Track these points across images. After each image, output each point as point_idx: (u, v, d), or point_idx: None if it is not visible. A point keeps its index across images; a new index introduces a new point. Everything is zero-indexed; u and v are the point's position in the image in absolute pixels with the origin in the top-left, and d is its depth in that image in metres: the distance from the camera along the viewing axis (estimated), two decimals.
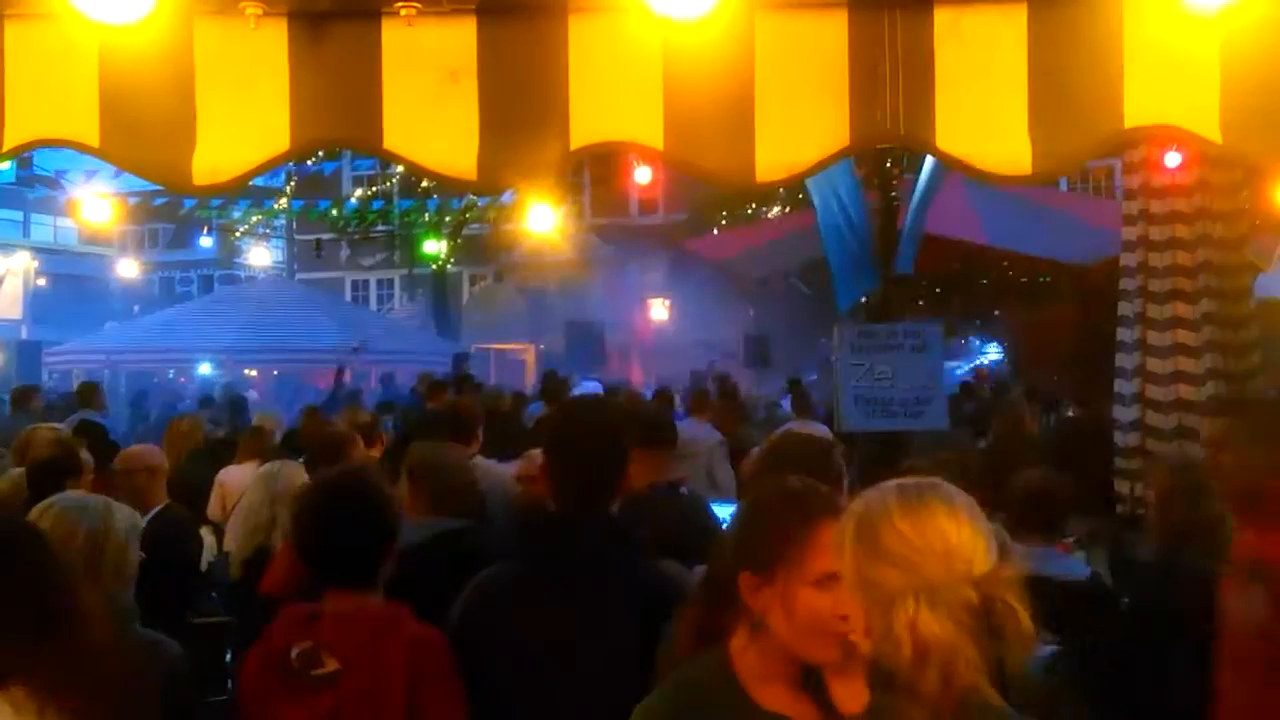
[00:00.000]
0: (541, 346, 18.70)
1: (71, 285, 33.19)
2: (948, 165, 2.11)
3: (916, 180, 5.84)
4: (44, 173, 26.20)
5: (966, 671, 1.23)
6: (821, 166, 1.90)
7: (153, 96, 1.88)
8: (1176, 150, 5.37)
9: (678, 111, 1.86)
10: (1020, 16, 1.84)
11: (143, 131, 1.89)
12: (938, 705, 1.22)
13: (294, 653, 2.02)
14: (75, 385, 11.24)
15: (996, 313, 13.42)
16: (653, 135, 1.86)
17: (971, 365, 14.62)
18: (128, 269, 31.14)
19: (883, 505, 1.37)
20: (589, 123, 1.86)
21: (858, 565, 1.36)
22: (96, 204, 12.80)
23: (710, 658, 1.63)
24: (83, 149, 1.92)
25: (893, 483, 1.42)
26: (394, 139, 1.86)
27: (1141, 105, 1.81)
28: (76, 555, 2.07)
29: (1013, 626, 1.27)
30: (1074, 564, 3.55)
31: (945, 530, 1.32)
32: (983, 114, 1.84)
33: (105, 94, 1.88)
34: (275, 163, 1.91)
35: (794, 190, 14.45)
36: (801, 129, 1.86)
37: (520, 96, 1.86)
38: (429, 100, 1.86)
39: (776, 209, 17.28)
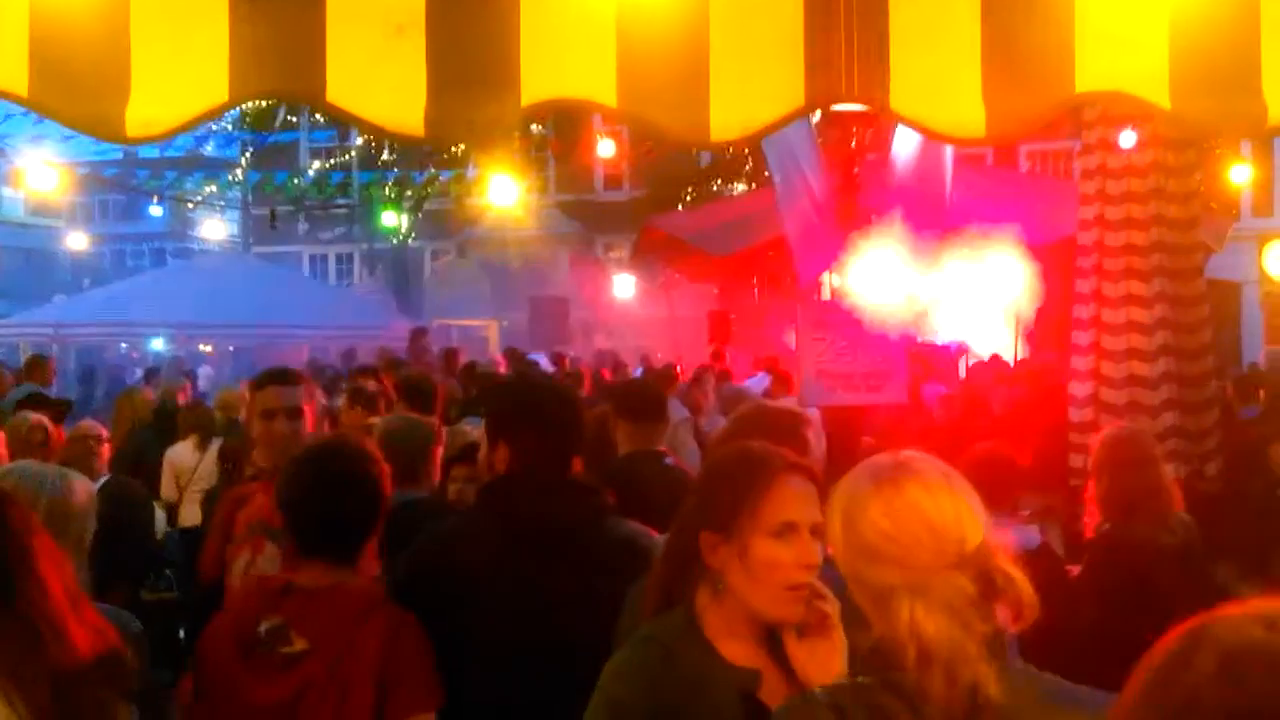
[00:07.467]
0: (504, 323, 18.58)
1: (18, 257, 32.27)
2: (903, 125, 2.10)
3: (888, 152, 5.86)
4: None
5: (967, 668, 1.20)
6: (777, 126, 1.89)
7: (85, 46, 1.80)
8: (1132, 130, 5.44)
9: (631, 69, 1.83)
10: None
11: (74, 81, 1.82)
12: (947, 706, 1.20)
13: (263, 628, 1.94)
14: (23, 358, 10.94)
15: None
16: (606, 93, 1.83)
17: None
18: (77, 241, 30.34)
19: (857, 498, 1.32)
20: (541, 79, 1.83)
21: (849, 561, 1.33)
22: (43, 172, 12.41)
23: (676, 615, 1.62)
24: (10, 98, 1.85)
25: (865, 465, 1.37)
26: (337, 92, 1.81)
27: (1092, 71, 1.82)
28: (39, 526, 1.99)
29: (1013, 596, 1.24)
30: (1027, 534, 3.60)
31: (925, 511, 1.27)
32: (937, 77, 1.84)
33: (35, 43, 1.80)
34: (212, 114, 1.85)
35: (759, 168, 14.44)
36: (756, 88, 1.84)
37: (469, 51, 1.82)
38: (374, 54, 1.81)
39: (741, 186, 17.28)
